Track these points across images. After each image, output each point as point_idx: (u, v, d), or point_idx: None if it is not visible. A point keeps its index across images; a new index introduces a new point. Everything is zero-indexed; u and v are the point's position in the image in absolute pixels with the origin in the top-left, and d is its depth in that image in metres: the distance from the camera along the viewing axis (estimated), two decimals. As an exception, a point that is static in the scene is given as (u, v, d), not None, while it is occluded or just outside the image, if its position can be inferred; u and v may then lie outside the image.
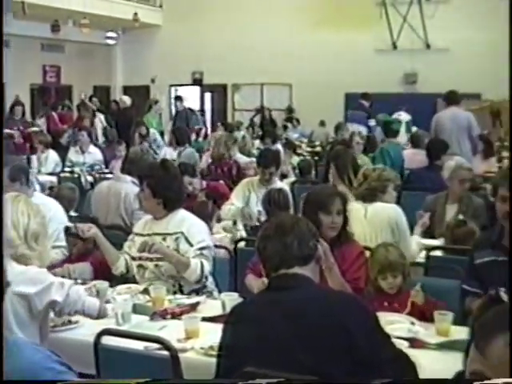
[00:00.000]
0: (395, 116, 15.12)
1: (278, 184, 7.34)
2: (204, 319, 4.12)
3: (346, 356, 2.90)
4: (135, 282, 5.05)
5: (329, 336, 2.91)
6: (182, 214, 5.12)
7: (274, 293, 3.13)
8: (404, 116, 14.82)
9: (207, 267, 4.93)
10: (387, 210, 5.67)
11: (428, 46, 21.05)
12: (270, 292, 3.18)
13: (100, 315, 3.97)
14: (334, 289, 3.98)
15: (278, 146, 12.36)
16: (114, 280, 5.04)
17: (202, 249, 4.95)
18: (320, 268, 3.35)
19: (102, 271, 5.18)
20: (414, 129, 13.32)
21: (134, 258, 5.07)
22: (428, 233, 6.35)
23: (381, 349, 2.98)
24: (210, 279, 5.09)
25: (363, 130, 12.89)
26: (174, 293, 4.88)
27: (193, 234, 4.98)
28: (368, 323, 3.01)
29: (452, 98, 10.61)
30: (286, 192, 6.59)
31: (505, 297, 3.24)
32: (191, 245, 4.94)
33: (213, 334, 3.58)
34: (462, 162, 6.88)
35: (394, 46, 21.19)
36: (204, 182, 8.06)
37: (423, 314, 4.21)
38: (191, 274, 4.88)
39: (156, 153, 12.08)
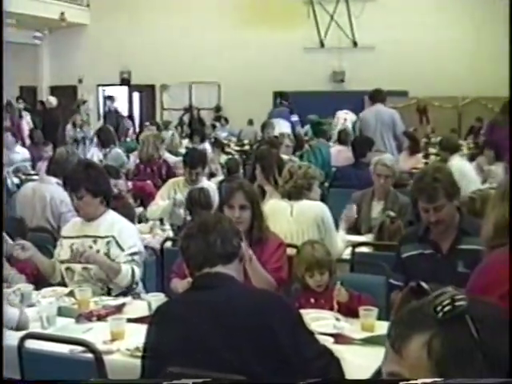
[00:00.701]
0: (342, 115, 15.31)
1: (205, 183, 7.32)
2: (130, 320, 4.09)
3: (270, 354, 2.90)
4: (60, 285, 4.98)
5: (253, 334, 2.92)
6: (113, 216, 5.06)
7: (198, 292, 3.12)
8: (350, 115, 15.00)
9: (138, 273, 4.89)
10: (313, 208, 5.70)
11: (355, 44, 21.28)
12: (194, 291, 3.17)
13: (19, 327, 3.90)
14: (257, 286, 3.98)
15: (206, 145, 12.37)
16: (40, 283, 4.96)
17: (133, 254, 4.90)
18: (244, 266, 3.35)
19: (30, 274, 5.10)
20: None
21: (62, 262, 5.00)
22: (354, 229, 6.42)
23: (305, 346, 3.00)
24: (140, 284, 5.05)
25: (287, 125, 12.97)
26: (101, 295, 4.82)
27: (124, 239, 4.92)
28: (291, 321, 3.03)
29: (377, 96, 10.73)
30: (207, 191, 6.57)
31: (427, 287, 3.28)
32: (122, 249, 4.88)
33: (138, 335, 3.54)
34: (387, 158, 6.94)
35: (322, 44, 21.37)
36: (130, 183, 8.00)
37: (350, 310, 4.25)
38: (122, 280, 4.83)
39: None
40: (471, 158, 10.53)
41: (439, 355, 1.65)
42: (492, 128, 11.45)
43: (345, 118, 15.34)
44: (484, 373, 1.63)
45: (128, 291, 4.90)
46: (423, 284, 3.29)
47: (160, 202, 7.24)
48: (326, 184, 8.72)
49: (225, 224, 3.27)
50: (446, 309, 1.65)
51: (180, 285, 4.39)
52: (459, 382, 2.07)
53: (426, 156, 12.69)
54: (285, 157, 8.04)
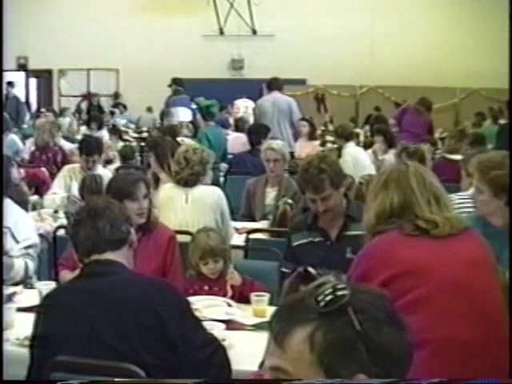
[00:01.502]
0: (241, 103, 15.32)
1: (100, 170, 7.24)
2: (20, 309, 4.03)
3: (157, 341, 2.91)
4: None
5: (140, 322, 2.91)
6: (10, 206, 4.89)
7: (87, 279, 3.09)
8: (250, 103, 15.01)
9: (31, 267, 4.77)
10: (209, 194, 5.70)
11: (254, 32, 21.33)
12: (83, 279, 3.14)
13: None
14: (145, 273, 3.96)
15: (104, 132, 12.23)
16: None
17: (28, 247, 4.77)
18: (134, 252, 3.32)
19: None
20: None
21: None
22: (248, 216, 6.47)
23: (192, 334, 3.01)
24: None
25: (188, 112, 12.94)
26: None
27: (19, 230, 4.77)
28: (179, 308, 3.03)
29: (274, 84, 10.80)
30: (100, 178, 6.50)
31: (314, 271, 3.33)
32: (17, 241, 4.75)
33: (29, 325, 3.50)
34: (274, 143, 7.02)
35: (221, 32, 21.34)
36: (22, 171, 7.85)
37: (243, 296, 4.28)
38: (15, 276, 4.68)
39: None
40: (368, 146, 10.74)
41: (322, 348, 1.63)
42: (403, 113, 11.70)
43: (246, 106, 15.37)
44: (366, 364, 1.63)
45: (20, 281, 4.80)
46: (310, 269, 3.36)
47: (56, 190, 7.13)
48: (221, 169, 8.79)
49: (114, 209, 3.22)
50: (328, 298, 1.64)
51: (68, 276, 4.31)
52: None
53: (323, 144, 12.84)
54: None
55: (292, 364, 1.65)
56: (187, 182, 5.70)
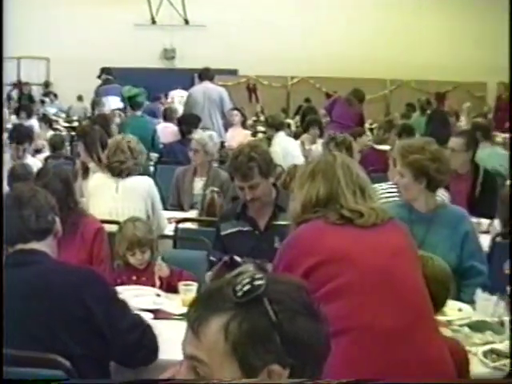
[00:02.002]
0: (176, 93, 15.24)
1: (30, 160, 7.15)
2: None
3: (84, 330, 2.90)
4: None
5: (66, 311, 2.89)
6: None
7: (12, 269, 3.03)
8: (183, 93, 14.93)
9: None
10: (140, 184, 5.66)
11: (187, 22, 21.25)
12: (8, 268, 3.09)
13: None
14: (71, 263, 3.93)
15: (34, 121, 12.07)
16: None
17: None
18: (58, 242, 3.29)
19: None
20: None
21: None
22: (177, 205, 6.47)
23: (119, 319, 3.01)
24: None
25: (119, 102, 12.84)
26: None
27: None
28: (105, 295, 3.02)
29: (205, 74, 10.82)
30: (29, 167, 6.42)
31: (240, 260, 3.36)
32: None
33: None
34: (198, 133, 7.05)
35: (153, 21, 21.21)
36: None
37: (171, 286, 4.28)
38: None
39: None
40: (299, 136, 10.81)
41: (236, 338, 1.64)
42: (333, 104, 11.79)
43: (181, 96, 15.31)
44: (281, 355, 1.65)
45: None
46: (236, 258, 3.39)
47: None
48: (152, 158, 8.76)
49: (40, 198, 3.17)
50: (246, 288, 1.64)
51: None
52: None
53: (255, 133, 12.88)
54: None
55: (207, 353, 1.66)
56: (118, 171, 5.65)
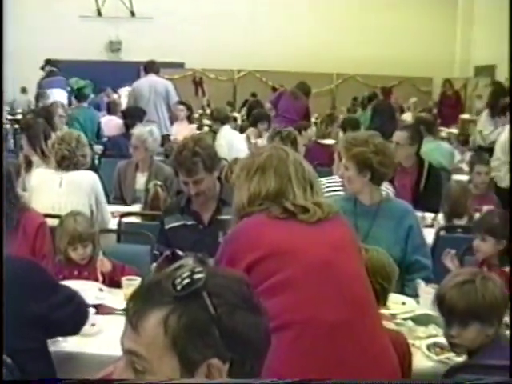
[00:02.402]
0: (123, 91, 15.09)
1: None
2: None
3: (26, 323, 2.87)
4: None
5: (8, 303, 2.84)
6: None
7: None
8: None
9: None
10: (84, 178, 5.59)
11: (133, 14, 21.11)
12: None
13: None
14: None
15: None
16: None
17: None
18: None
19: None
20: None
21: None
22: (120, 199, 6.41)
23: (58, 308, 3.01)
24: None
25: (63, 94, 12.70)
26: None
27: None
28: (46, 285, 3.02)
29: (151, 67, 10.75)
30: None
31: (182, 254, 3.31)
32: None
33: None
34: (137, 129, 7.00)
35: (99, 13, 21.03)
36: None
37: (114, 281, 4.24)
38: None
39: None
40: (245, 130, 10.79)
41: (175, 332, 1.62)
42: (279, 97, 11.80)
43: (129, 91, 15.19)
44: (220, 349, 1.63)
45: None
46: (179, 252, 3.34)
47: None
48: (96, 151, 8.69)
49: None
50: (185, 282, 1.62)
51: None
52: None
53: (200, 127, 12.84)
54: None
55: (146, 348, 1.64)
56: (61, 164, 5.58)
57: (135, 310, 1.67)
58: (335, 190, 5.28)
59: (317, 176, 3.21)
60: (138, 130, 6.94)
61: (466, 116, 15.40)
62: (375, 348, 2.79)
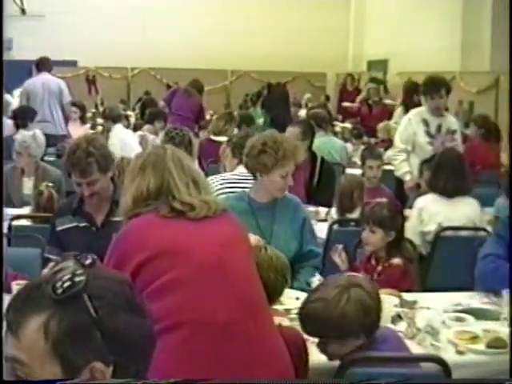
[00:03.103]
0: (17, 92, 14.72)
1: None
2: None
3: None
4: None
5: None
6: None
7: None
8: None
9: None
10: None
11: (24, 12, 20.67)
12: None
13: None
14: None
15: None
16: None
17: None
18: None
19: None
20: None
21: None
22: (8, 203, 6.27)
23: None
24: None
25: None
26: None
27: None
28: None
29: (43, 65, 10.54)
30: None
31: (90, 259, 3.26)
32: None
33: None
34: (20, 133, 6.88)
35: (-15, 11, 20.51)
36: None
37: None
38: None
39: None
40: (139, 128, 10.72)
41: (56, 337, 1.59)
42: (173, 95, 11.74)
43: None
44: (103, 352, 1.61)
45: None
46: (88, 257, 3.27)
47: None
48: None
49: None
50: (65, 285, 1.60)
51: None
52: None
53: (94, 126, 12.65)
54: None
55: (27, 354, 1.61)
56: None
57: (14, 316, 1.63)
58: (228, 187, 5.30)
59: (201, 173, 3.21)
60: (21, 135, 6.79)
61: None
62: (266, 347, 2.80)
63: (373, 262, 4.54)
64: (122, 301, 1.66)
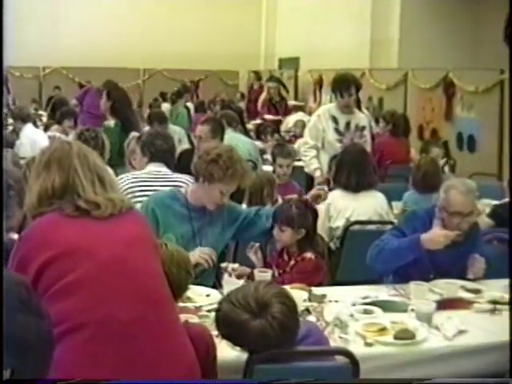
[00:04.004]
0: None
1: None
2: None
3: None
4: None
5: None
6: None
7: None
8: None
9: None
10: None
11: None
12: None
13: None
14: None
15: None
16: None
17: None
18: None
19: None
20: None
21: None
22: None
23: None
24: None
25: None
26: None
27: None
28: None
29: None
30: None
31: None
32: None
33: None
34: None
35: None
36: None
37: None
38: None
39: None
40: (49, 127, 10.58)
41: None
42: (85, 94, 11.59)
43: None
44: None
45: None
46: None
47: None
48: None
49: None
50: None
51: None
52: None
53: (5, 127, 12.40)
54: None
55: None
56: None
57: None
58: (136, 186, 5.28)
59: (107, 170, 3.17)
60: None
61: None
62: (172, 345, 2.78)
63: (285, 256, 4.58)
64: (18, 302, 1.64)
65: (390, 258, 4.36)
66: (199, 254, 4.30)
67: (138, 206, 4.52)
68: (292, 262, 4.53)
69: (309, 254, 4.52)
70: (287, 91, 15.55)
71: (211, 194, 4.44)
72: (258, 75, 18.50)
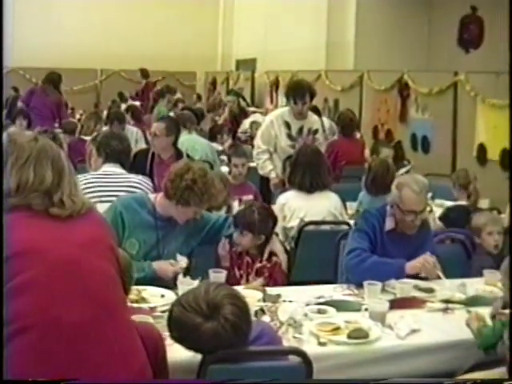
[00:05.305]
0: None
1: None
2: None
3: None
4: None
5: None
6: None
7: None
8: None
9: None
10: None
11: None
12: None
13: None
14: None
15: None
16: None
17: None
18: None
19: None
20: None
21: None
22: None
23: None
24: None
25: None
26: None
27: None
28: None
29: None
30: None
31: None
32: None
33: None
34: None
35: None
36: None
37: None
38: None
39: None
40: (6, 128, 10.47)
41: None
42: (31, 95, 11.50)
43: None
44: None
45: None
46: None
47: None
48: None
49: None
50: None
51: None
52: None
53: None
54: None
55: None
56: None
57: None
58: (94, 187, 5.27)
59: (72, 169, 3.09)
60: None
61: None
62: (122, 345, 2.75)
63: (247, 259, 4.60)
64: None
65: (369, 274, 4.32)
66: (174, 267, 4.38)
67: (98, 206, 4.49)
68: (258, 265, 4.56)
69: (275, 258, 4.57)
70: (247, 104, 15.65)
71: (185, 214, 4.48)
72: (213, 85, 18.58)
